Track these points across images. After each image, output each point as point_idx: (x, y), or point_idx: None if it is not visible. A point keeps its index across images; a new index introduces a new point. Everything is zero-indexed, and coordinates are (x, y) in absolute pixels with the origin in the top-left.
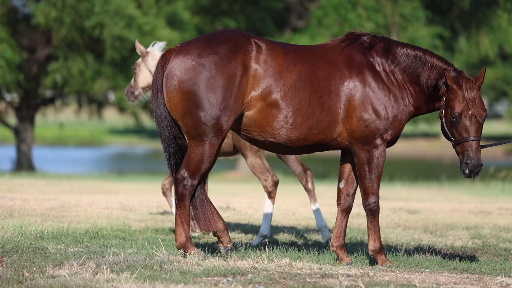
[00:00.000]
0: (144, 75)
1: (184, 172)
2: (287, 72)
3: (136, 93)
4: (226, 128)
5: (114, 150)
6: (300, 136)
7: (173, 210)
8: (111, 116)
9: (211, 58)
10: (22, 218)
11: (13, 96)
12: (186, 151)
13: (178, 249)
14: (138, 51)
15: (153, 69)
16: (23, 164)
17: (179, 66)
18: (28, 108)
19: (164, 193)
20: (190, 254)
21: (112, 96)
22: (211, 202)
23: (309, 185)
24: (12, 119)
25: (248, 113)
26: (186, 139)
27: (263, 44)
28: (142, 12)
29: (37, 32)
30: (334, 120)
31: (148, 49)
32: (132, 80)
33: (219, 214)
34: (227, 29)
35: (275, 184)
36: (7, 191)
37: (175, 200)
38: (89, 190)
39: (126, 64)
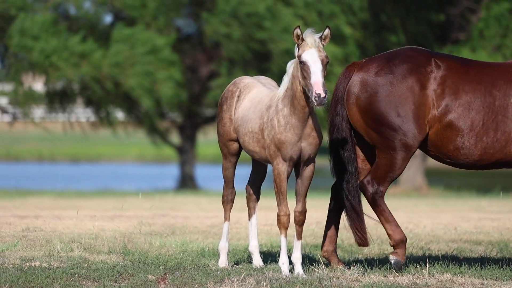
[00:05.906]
0: None
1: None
2: (463, 93)
3: None
4: (412, 144)
5: None
6: (475, 157)
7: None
8: None
9: (387, 78)
10: (184, 235)
11: (174, 116)
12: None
13: (392, 246)
14: None
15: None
16: (186, 182)
17: (357, 83)
18: (190, 127)
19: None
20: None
21: None
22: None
23: None
24: (175, 138)
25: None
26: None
27: (444, 64)
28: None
29: (200, 50)
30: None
31: None
32: None
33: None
34: (411, 48)
35: None
36: (170, 209)
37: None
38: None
39: None
